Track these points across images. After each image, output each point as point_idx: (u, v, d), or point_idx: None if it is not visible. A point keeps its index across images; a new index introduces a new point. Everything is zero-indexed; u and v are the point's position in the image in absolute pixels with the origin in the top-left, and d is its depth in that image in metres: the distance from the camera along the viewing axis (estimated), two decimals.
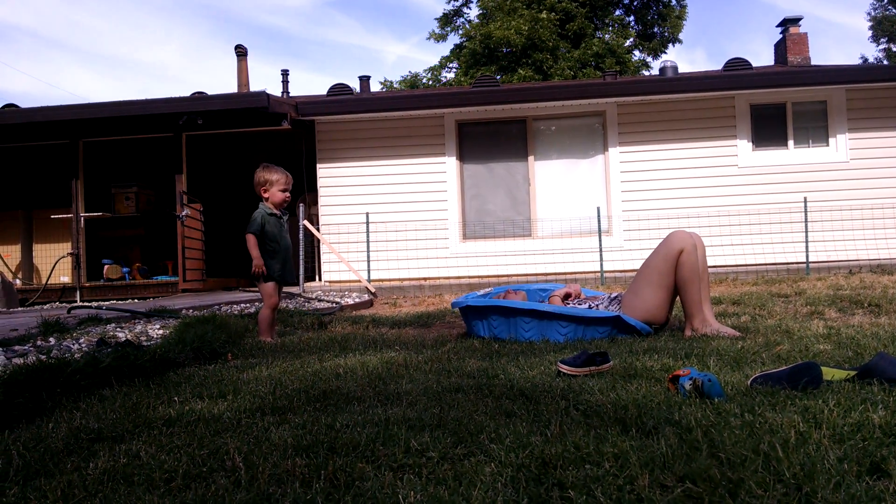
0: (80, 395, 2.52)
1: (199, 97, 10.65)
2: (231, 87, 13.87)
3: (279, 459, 1.60)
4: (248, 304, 6.63)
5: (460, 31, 26.95)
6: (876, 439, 1.55)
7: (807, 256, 9.28)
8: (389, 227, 10.10)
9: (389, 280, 9.92)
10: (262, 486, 1.44)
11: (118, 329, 4.61)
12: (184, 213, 9.62)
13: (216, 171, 12.46)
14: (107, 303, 8.25)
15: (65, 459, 1.72)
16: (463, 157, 10.38)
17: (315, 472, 1.50)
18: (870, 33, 37.29)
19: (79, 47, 70.10)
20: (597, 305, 4.05)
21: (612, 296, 4.14)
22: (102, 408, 2.29)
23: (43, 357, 3.19)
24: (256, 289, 4.41)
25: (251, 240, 4.24)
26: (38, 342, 3.90)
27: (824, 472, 1.34)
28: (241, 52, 13.60)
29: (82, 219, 10.23)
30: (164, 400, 2.37)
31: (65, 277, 10.43)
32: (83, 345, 3.84)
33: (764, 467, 1.38)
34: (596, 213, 9.70)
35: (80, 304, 9.07)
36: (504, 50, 23.37)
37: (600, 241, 9.52)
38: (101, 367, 2.71)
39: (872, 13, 37.38)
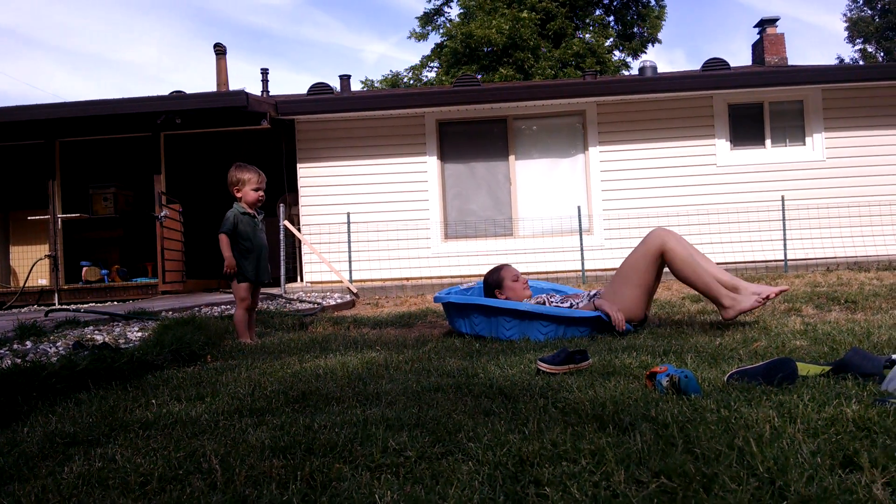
0: (56, 398, 2.49)
1: (177, 96, 10.57)
2: (211, 86, 13.77)
3: (256, 461, 1.59)
4: (228, 306, 6.58)
5: (441, 31, 26.97)
6: (849, 433, 1.57)
7: (785, 254, 9.39)
8: (371, 227, 10.09)
9: (371, 280, 9.90)
10: (239, 488, 1.43)
11: (96, 332, 4.56)
12: (163, 214, 9.54)
13: (195, 171, 12.37)
14: (85, 305, 8.17)
15: (39, 464, 1.70)
16: (444, 156, 10.39)
17: (292, 474, 1.50)
18: (846, 34, 37.80)
19: (57, 46, 69.31)
20: (577, 304, 4.06)
21: (591, 293, 4.15)
22: (78, 411, 2.26)
23: (18, 361, 3.15)
24: None
25: (223, 240, 4.22)
26: (15, 346, 3.85)
27: (797, 465, 1.35)
28: (219, 50, 13.51)
29: (60, 220, 10.11)
30: (141, 403, 2.35)
31: (42, 280, 10.31)
32: (60, 348, 3.80)
33: (738, 462, 1.39)
34: (577, 213, 9.75)
35: (58, 306, 8.97)
36: (485, 49, 23.41)
37: (581, 239, 9.56)
38: (77, 370, 2.68)
39: (848, 14, 37.90)
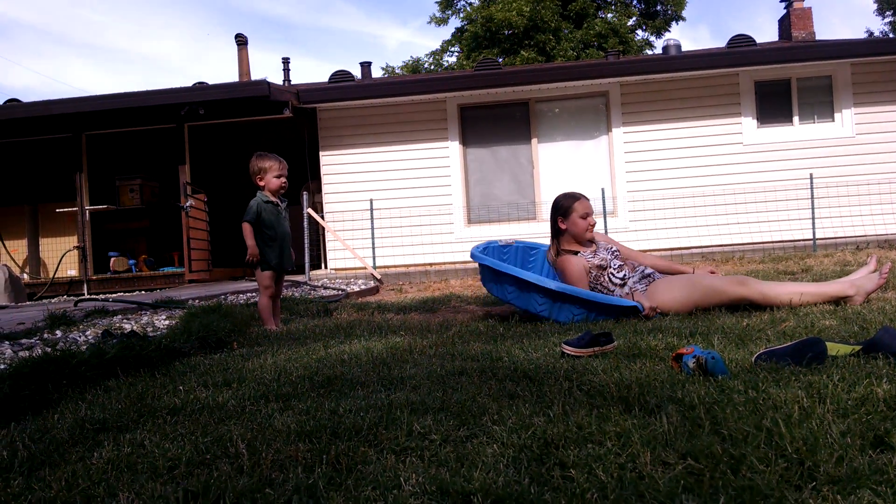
0: (85, 386, 2.53)
1: (199, 87, 10.63)
2: (232, 76, 13.85)
3: (282, 445, 1.60)
4: (253, 294, 6.64)
5: (461, 15, 26.79)
6: (880, 413, 1.54)
7: (813, 233, 9.23)
8: (394, 214, 10.09)
9: (395, 266, 9.92)
10: (265, 472, 1.44)
11: (125, 320, 4.62)
12: (188, 204, 9.63)
13: (219, 161, 12.46)
14: (114, 295, 8.29)
15: (69, 450, 1.73)
16: (466, 141, 10.35)
17: (317, 457, 1.51)
18: (875, 6, 36.88)
19: (80, 41, 70.04)
20: (630, 278, 3.97)
21: (645, 271, 4.01)
22: (108, 398, 2.30)
23: (49, 350, 3.20)
24: None
25: (247, 228, 4.25)
26: (45, 335, 3.92)
27: (827, 446, 1.33)
28: (241, 41, 13.55)
29: (87, 212, 10.25)
30: (168, 389, 2.38)
31: (72, 271, 10.48)
32: (89, 337, 3.86)
33: (766, 443, 1.38)
34: (601, 195, 9.66)
35: (87, 296, 9.12)
36: (506, 32, 23.22)
37: (605, 222, 9.48)
38: (106, 358, 2.72)
39: None
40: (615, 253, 4.14)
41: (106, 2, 70.33)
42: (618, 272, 4.01)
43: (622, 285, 3.97)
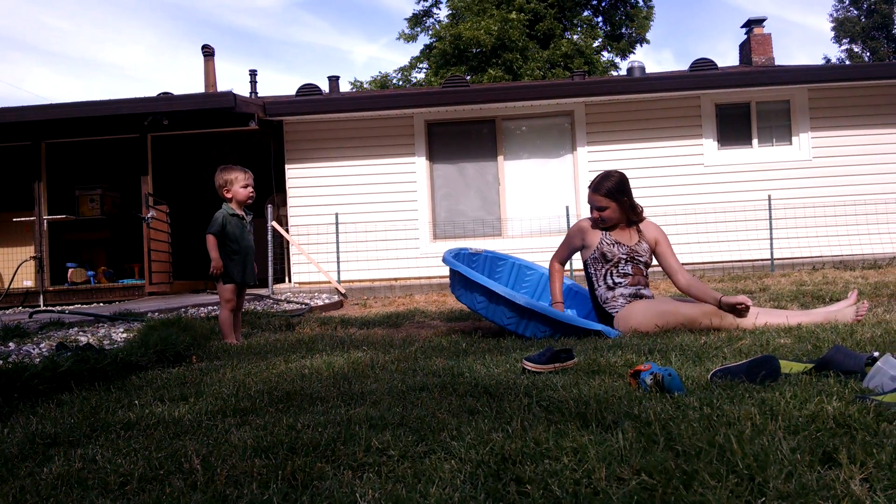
0: (38, 399, 2.47)
1: (164, 98, 10.51)
2: (199, 87, 13.74)
3: (238, 461, 1.58)
4: (215, 307, 6.56)
5: (430, 32, 26.96)
6: (829, 430, 1.58)
7: (771, 253, 9.43)
8: (359, 228, 10.06)
9: (360, 281, 9.88)
10: (219, 488, 1.43)
11: (81, 333, 4.53)
12: (150, 216, 9.49)
13: (183, 172, 12.31)
14: (71, 307, 8.12)
15: (18, 465, 1.69)
16: (433, 157, 10.38)
17: (273, 473, 1.49)
18: (832, 34, 38.06)
19: (43, 48, 68.83)
20: (619, 286, 3.96)
21: (641, 292, 3.97)
22: (60, 412, 2.25)
23: (0, 362, 3.12)
24: None
25: (211, 240, 4.21)
26: None
27: (777, 462, 1.36)
28: (208, 52, 13.45)
29: (45, 222, 10.04)
30: (123, 404, 2.34)
31: (28, 282, 10.22)
32: (44, 349, 3.77)
33: (719, 459, 1.40)
34: (565, 212, 9.76)
35: (43, 308, 8.91)
36: (474, 50, 23.42)
37: None
38: (59, 371, 2.66)
39: (834, 14, 38.16)
40: (638, 259, 4.02)
41: (70, 9, 69.33)
42: (617, 276, 3.97)
43: (609, 288, 3.97)
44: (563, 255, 4.26)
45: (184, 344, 3.59)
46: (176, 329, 3.95)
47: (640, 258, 4.02)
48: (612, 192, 4.03)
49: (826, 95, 10.00)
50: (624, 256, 3.98)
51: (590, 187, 4.11)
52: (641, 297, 3.95)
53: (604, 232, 4.07)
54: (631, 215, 4.08)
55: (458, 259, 4.37)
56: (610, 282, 3.97)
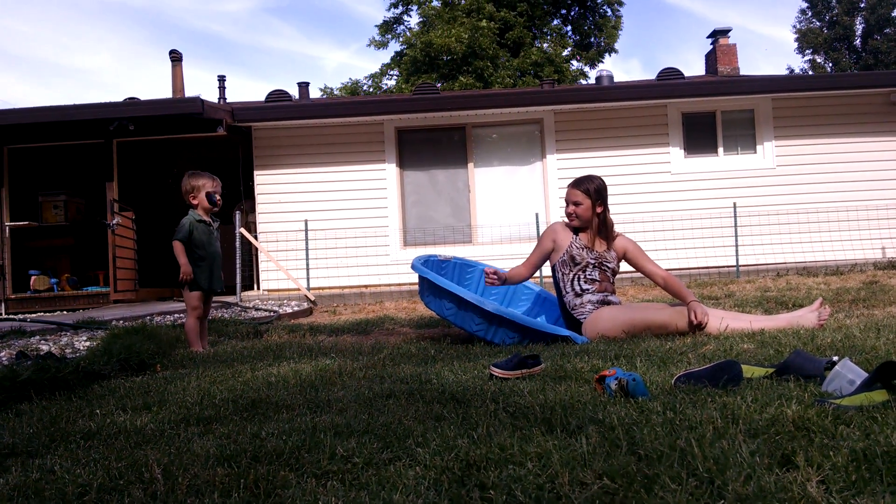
0: None
1: (130, 102, 10.36)
2: (167, 93, 13.59)
3: (199, 470, 1.56)
4: (181, 315, 6.47)
5: (401, 39, 26.96)
6: (788, 433, 1.61)
7: (737, 260, 9.58)
8: (329, 235, 10.02)
9: (329, 288, 9.83)
10: (180, 498, 1.41)
11: (42, 341, 4.44)
12: (114, 222, 9.35)
13: (149, 178, 12.13)
14: (33, 315, 7.95)
15: None
16: (403, 164, 10.38)
17: (235, 482, 1.47)
18: (796, 45, 38.87)
19: (5, 51, 67.55)
20: (587, 293, 4.02)
21: (609, 299, 4.04)
22: (19, 422, 2.20)
23: None
24: None
25: (178, 246, 4.16)
26: None
27: (736, 465, 1.38)
28: (175, 57, 13.31)
29: (7, 228, 9.83)
30: (85, 413, 2.29)
31: None
32: (3, 358, 3.69)
33: (680, 462, 1.41)
34: (535, 219, 9.81)
35: (4, 316, 8.72)
36: (445, 58, 23.47)
37: None
38: (19, 380, 2.61)
39: (798, 26, 38.98)
40: (605, 265, 4.07)
41: (33, 12, 68.18)
42: (585, 282, 4.02)
43: (577, 295, 4.01)
44: (533, 260, 4.28)
45: (148, 352, 3.53)
46: (140, 337, 3.89)
47: (608, 265, 4.08)
48: (589, 192, 4.10)
49: (790, 105, 10.21)
50: (592, 261, 4.03)
51: (570, 184, 4.19)
52: (609, 303, 4.01)
53: (574, 236, 4.11)
54: (601, 227, 4.12)
55: (427, 266, 4.37)
56: (577, 288, 4.01)
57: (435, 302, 4.07)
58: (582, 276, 4.03)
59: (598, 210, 4.10)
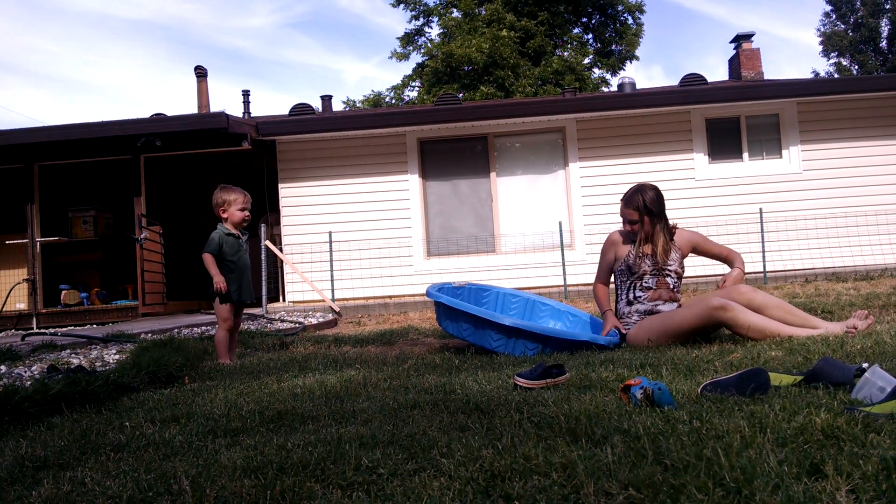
0: (28, 422, 2.46)
1: (157, 119, 10.54)
2: (192, 108, 13.80)
3: (227, 481, 1.58)
4: (208, 327, 6.54)
5: (422, 50, 27.11)
6: (817, 442, 1.59)
7: (764, 266, 9.46)
8: (353, 246, 10.07)
9: (354, 299, 9.87)
10: None
11: (73, 355, 4.51)
12: (143, 236, 9.48)
13: (176, 192, 12.32)
14: (64, 329, 8.08)
15: (7, 488, 1.68)
16: (426, 174, 10.42)
17: (262, 493, 1.49)
18: (820, 48, 38.45)
19: (34, 71, 68.95)
20: (638, 301, 4.00)
21: (659, 308, 3.96)
22: (50, 435, 2.24)
23: None
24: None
25: (209, 259, 4.22)
26: None
27: (764, 474, 1.37)
28: (200, 73, 13.50)
29: (38, 244, 10.02)
30: (114, 426, 2.33)
31: (21, 304, 10.19)
32: (35, 372, 3.76)
33: (706, 472, 1.40)
34: (558, 228, 9.78)
35: (36, 330, 8.87)
36: (466, 68, 23.54)
37: (563, 255, 9.58)
38: (50, 393, 2.65)
39: (822, 29, 38.57)
40: (666, 270, 3.98)
41: (61, 31, 69.51)
42: (640, 290, 3.97)
43: (628, 304, 4.00)
44: (602, 275, 4.28)
45: (176, 365, 3.58)
46: (168, 350, 3.94)
47: (669, 268, 3.99)
48: (642, 208, 3.99)
49: (815, 109, 10.09)
50: (649, 270, 3.98)
51: (622, 199, 4.09)
52: (657, 312, 3.93)
53: (632, 244, 4.07)
54: (662, 233, 4.04)
55: (442, 293, 4.40)
56: (630, 296, 4.01)
57: (452, 325, 4.09)
58: (638, 285, 4.00)
59: (657, 220, 4.01)
